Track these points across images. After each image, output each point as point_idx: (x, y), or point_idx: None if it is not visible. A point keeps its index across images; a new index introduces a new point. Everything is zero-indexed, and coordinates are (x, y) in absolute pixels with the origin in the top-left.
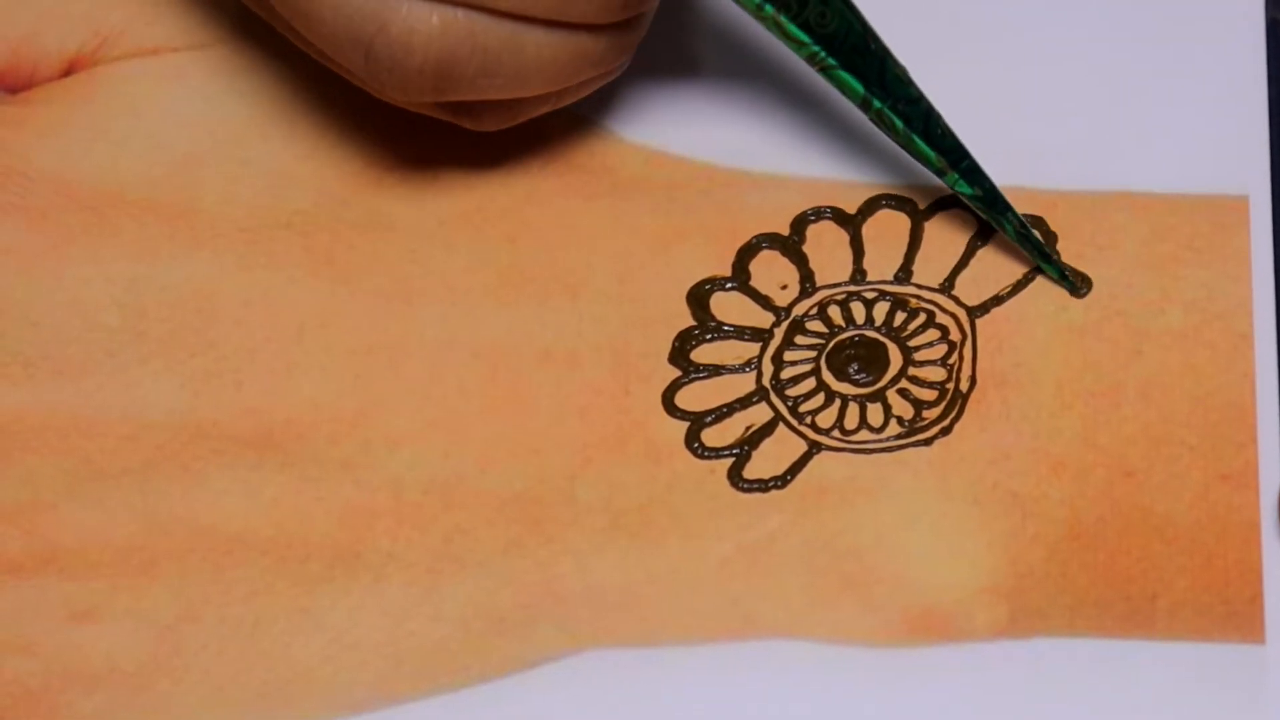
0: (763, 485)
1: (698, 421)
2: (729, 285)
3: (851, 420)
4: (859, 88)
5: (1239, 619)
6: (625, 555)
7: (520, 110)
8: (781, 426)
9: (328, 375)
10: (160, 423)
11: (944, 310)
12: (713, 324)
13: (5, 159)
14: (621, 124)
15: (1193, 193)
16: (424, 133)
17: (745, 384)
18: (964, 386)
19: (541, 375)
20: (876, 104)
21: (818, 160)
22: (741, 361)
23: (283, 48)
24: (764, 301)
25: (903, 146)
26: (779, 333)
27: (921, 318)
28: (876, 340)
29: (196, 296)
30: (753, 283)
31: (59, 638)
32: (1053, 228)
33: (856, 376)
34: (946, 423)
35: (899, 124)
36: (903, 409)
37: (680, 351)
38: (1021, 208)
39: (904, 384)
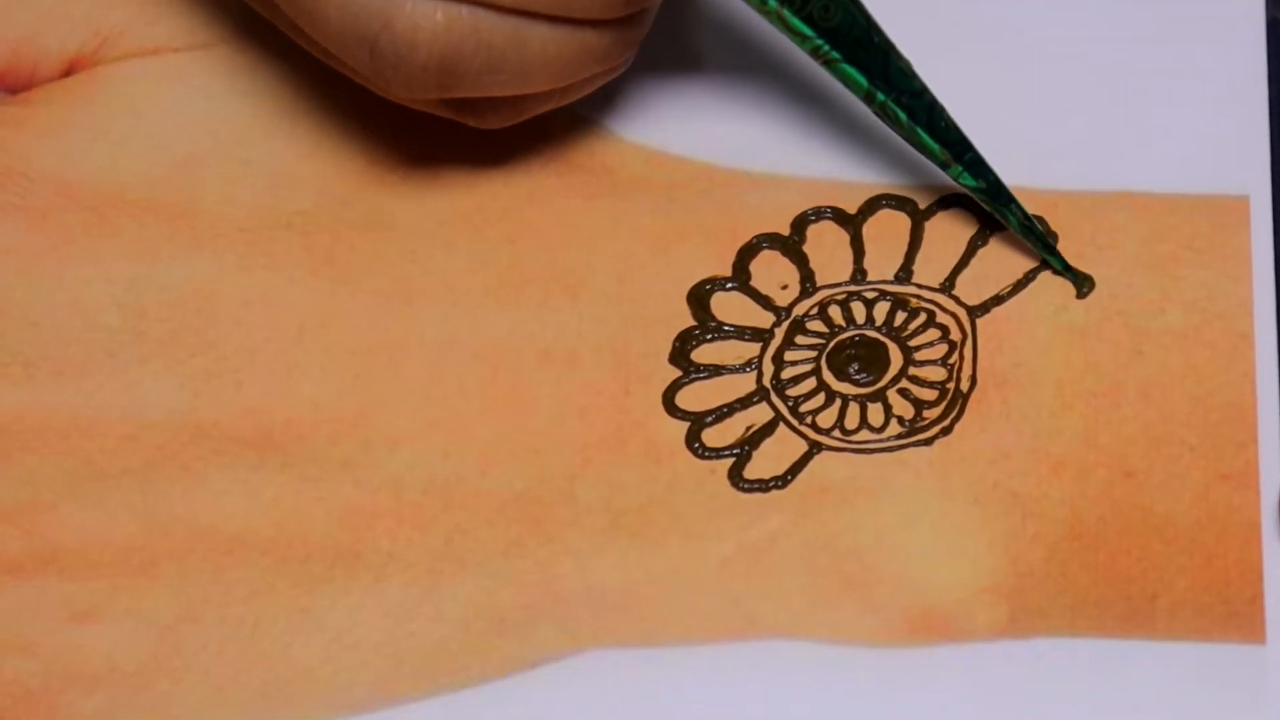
0: (763, 485)
1: (698, 421)
2: (729, 285)
3: (852, 420)
4: (863, 81)
5: (1239, 619)
6: (625, 555)
7: (524, 107)
8: (782, 426)
9: (328, 375)
10: (160, 423)
11: (944, 310)
12: (713, 324)
13: (5, 159)
14: (622, 124)
15: (1193, 193)
16: (424, 133)
17: (746, 384)
18: (964, 386)
19: (542, 375)
20: (880, 97)
21: (818, 160)
22: (742, 361)
23: (284, 47)
24: (764, 301)
25: (907, 140)
26: (779, 333)
27: (922, 317)
28: (877, 340)
29: (196, 296)
30: (753, 283)
31: (59, 638)
32: (1053, 227)
33: (857, 376)
34: (947, 423)
35: (903, 117)
36: (903, 409)
37: (681, 351)
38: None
39: (904, 384)
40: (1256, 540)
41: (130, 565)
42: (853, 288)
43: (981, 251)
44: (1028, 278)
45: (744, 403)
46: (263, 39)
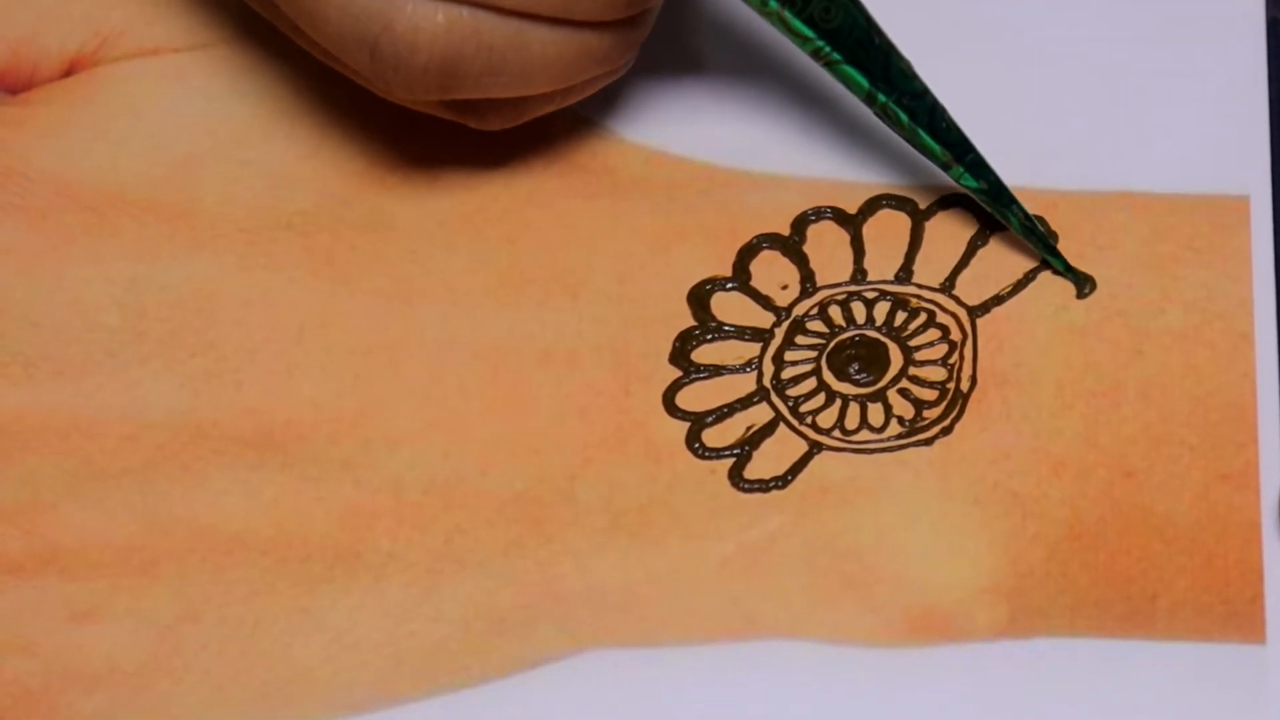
0: (763, 485)
1: (698, 422)
2: (729, 285)
3: (852, 420)
4: (864, 82)
5: (1239, 619)
6: (625, 555)
7: (525, 109)
8: (782, 426)
9: (328, 375)
10: (160, 423)
11: (944, 310)
12: (713, 324)
13: (5, 159)
14: (622, 124)
15: (1193, 193)
16: (424, 133)
17: (746, 384)
18: (964, 386)
19: (542, 375)
20: (882, 98)
21: (818, 160)
22: (742, 362)
23: (284, 48)
24: (764, 301)
25: (908, 141)
26: (779, 333)
27: (922, 317)
28: (877, 340)
29: (196, 296)
30: (753, 283)
31: (59, 638)
32: (1053, 227)
33: (857, 376)
34: (947, 423)
35: (904, 118)
36: (903, 409)
37: (681, 352)
38: None
39: (905, 384)
40: (1256, 540)
41: (130, 565)
42: (853, 288)
43: (982, 251)
44: (1028, 278)
45: (744, 403)
46: (263, 39)
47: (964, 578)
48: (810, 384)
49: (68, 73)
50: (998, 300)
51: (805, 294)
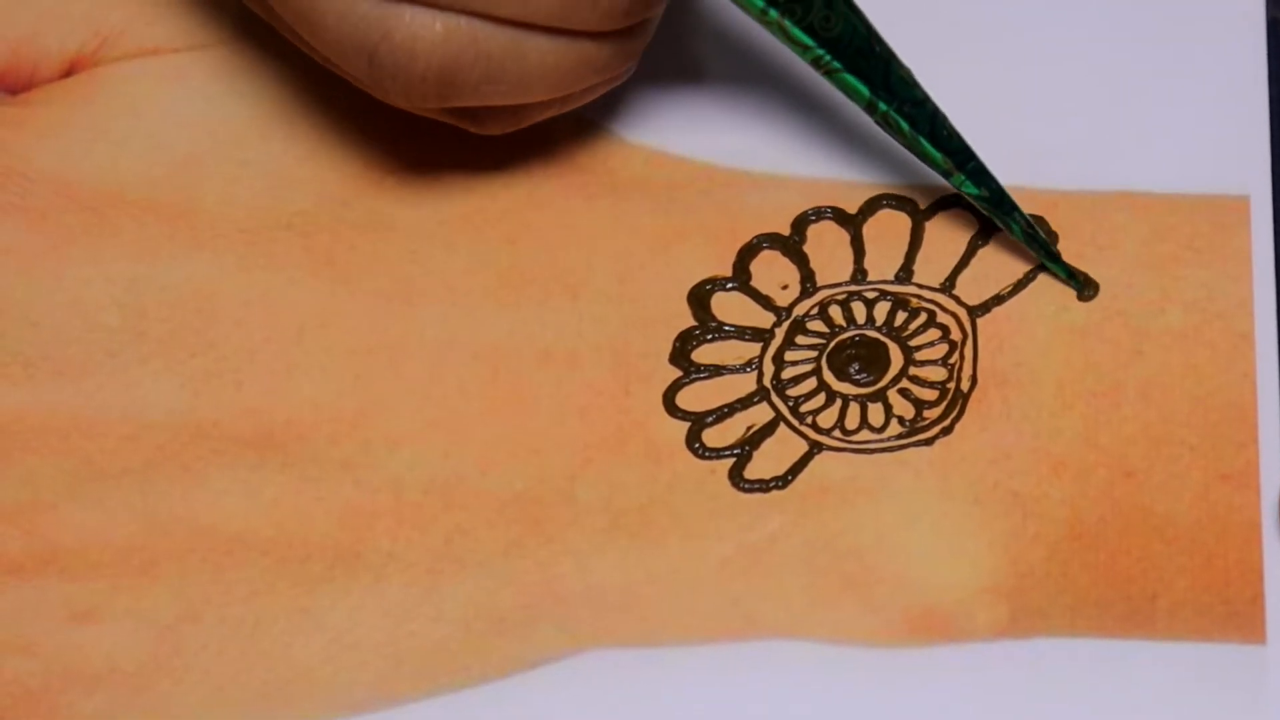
0: (763, 485)
1: (698, 422)
2: (730, 285)
3: (852, 420)
4: (865, 91)
5: (1239, 619)
6: (625, 555)
7: (524, 115)
8: (782, 426)
9: (328, 375)
10: (160, 423)
11: (945, 310)
12: (713, 324)
13: (5, 159)
14: (622, 124)
15: (1193, 193)
16: (424, 134)
17: (746, 384)
18: (965, 386)
19: (542, 376)
20: (882, 107)
21: (818, 160)
22: (742, 362)
23: (284, 49)
24: (765, 301)
25: (909, 149)
26: (780, 333)
27: (922, 317)
28: (877, 340)
29: (196, 296)
30: (753, 283)
31: (59, 638)
32: (1054, 227)
33: (857, 376)
34: (947, 422)
35: (905, 126)
36: (904, 409)
37: (681, 352)
38: (1022, 208)
39: (905, 384)
40: (1256, 540)
41: (130, 565)
42: (853, 288)
43: (982, 251)
44: (1028, 278)
45: (744, 403)
46: (262, 40)
47: (964, 578)
48: (810, 384)
49: (68, 73)
50: (998, 300)
51: (805, 294)
